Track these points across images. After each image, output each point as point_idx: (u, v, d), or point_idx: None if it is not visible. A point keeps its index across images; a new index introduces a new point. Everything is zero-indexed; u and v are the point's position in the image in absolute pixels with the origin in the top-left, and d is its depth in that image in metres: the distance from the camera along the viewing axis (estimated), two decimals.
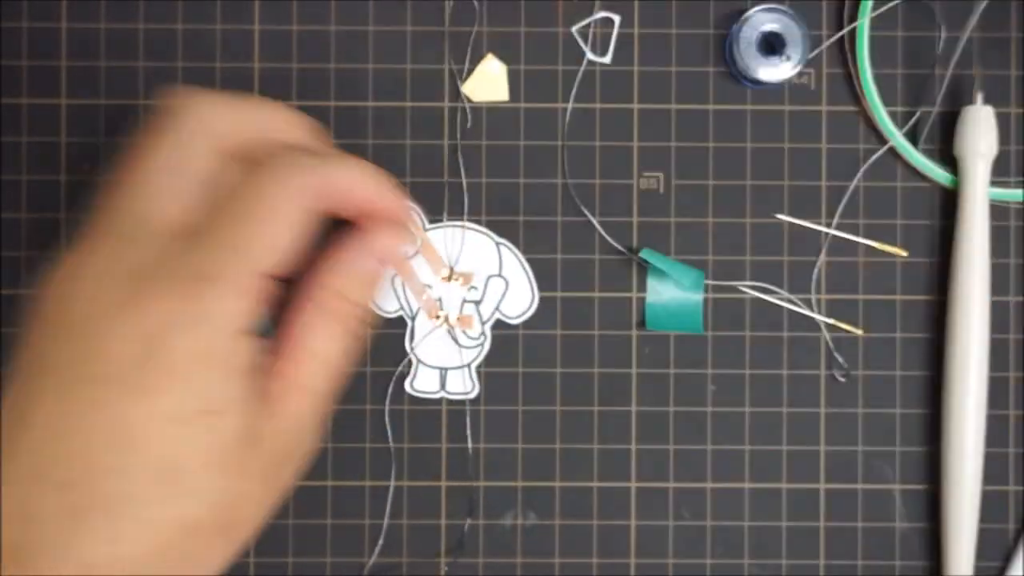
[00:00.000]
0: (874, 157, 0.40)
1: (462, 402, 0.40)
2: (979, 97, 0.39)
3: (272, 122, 0.28)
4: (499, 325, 0.40)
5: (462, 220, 0.40)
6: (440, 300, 0.39)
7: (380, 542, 0.40)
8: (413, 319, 0.39)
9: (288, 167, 0.27)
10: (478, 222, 0.40)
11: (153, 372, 0.24)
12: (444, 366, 0.40)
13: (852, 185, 0.40)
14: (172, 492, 0.24)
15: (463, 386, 0.39)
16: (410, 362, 0.40)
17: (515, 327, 0.40)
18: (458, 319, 0.39)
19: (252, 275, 0.26)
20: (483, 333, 0.39)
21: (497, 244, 0.40)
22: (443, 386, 0.40)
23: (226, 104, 0.28)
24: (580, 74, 0.40)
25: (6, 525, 0.24)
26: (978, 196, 0.38)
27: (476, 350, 0.40)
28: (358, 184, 0.28)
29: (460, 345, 0.39)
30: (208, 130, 0.27)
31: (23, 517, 0.24)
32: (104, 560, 0.24)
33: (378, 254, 0.29)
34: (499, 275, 0.40)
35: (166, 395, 0.24)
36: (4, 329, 0.39)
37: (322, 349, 0.28)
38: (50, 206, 0.39)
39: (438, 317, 0.39)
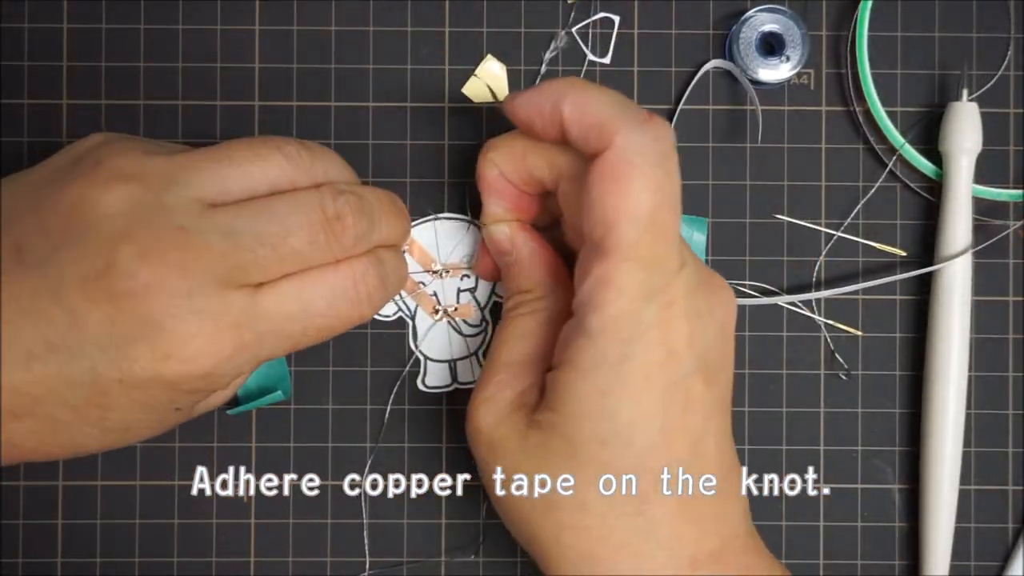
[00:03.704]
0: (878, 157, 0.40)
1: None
2: (964, 93, 0.39)
3: None
4: (498, 307, 0.39)
5: (435, 214, 0.39)
6: (436, 295, 0.39)
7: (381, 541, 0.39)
8: (412, 318, 0.39)
9: None
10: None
11: None
12: (452, 358, 0.39)
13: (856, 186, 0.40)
14: None
15: (473, 374, 0.39)
16: (417, 360, 0.39)
17: None
18: (455, 310, 0.39)
19: None
20: (484, 319, 0.39)
21: (469, 224, 0.39)
22: (455, 378, 0.39)
23: None
24: (580, 74, 0.40)
25: None
26: (961, 192, 0.38)
27: (480, 336, 0.39)
28: None
29: (463, 335, 0.39)
30: None
31: None
32: None
33: None
34: None
35: None
36: None
37: None
38: None
39: (436, 311, 0.39)
